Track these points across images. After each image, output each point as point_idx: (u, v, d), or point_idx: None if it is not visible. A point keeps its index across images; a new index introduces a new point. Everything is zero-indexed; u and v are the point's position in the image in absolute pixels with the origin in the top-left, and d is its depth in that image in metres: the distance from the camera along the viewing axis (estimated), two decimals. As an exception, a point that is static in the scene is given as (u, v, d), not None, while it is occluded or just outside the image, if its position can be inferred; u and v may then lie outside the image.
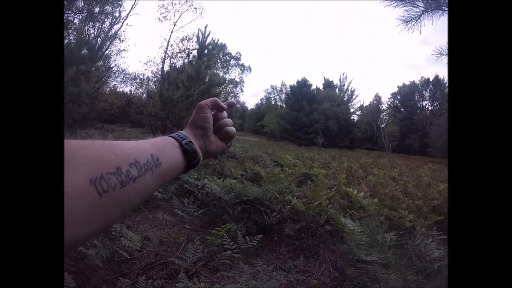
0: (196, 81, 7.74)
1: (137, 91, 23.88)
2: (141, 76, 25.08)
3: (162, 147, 0.46)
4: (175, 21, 25.11)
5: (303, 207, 3.14)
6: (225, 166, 5.27)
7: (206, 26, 8.47)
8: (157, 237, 2.83)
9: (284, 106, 46.30)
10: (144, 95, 21.12)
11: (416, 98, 41.96)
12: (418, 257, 2.23)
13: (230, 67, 41.62)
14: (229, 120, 0.65)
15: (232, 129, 0.65)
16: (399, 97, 43.30)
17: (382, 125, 41.58)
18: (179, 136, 0.53)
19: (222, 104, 0.64)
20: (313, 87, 43.64)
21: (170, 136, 0.52)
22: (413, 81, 43.21)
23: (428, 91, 41.44)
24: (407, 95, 41.89)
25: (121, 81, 22.90)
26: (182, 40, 24.46)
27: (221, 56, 38.03)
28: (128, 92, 22.31)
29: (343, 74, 51.76)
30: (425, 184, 6.22)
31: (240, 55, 43.42)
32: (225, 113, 0.66)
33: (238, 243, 2.51)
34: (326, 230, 2.99)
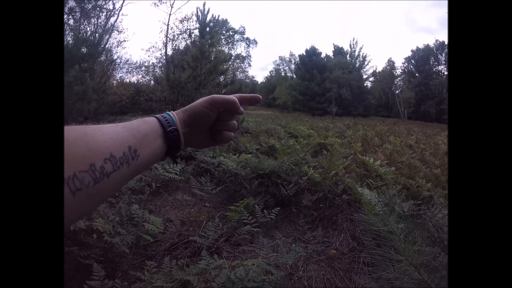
0: (201, 61, 7.63)
1: (144, 79, 23.84)
2: (146, 64, 24.92)
3: (143, 138, 0.43)
4: (171, 3, 24.37)
5: (319, 178, 3.15)
6: (240, 142, 5.29)
7: (204, 4, 8.23)
8: (179, 218, 2.92)
9: (295, 76, 45.29)
10: (152, 82, 21.10)
11: (431, 63, 39.88)
12: (436, 228, 2.21)
13: (235, 43, 40.85)
14: (233, 124, 0.58)
15: (230, 135, 0.58)
16: (413, 61, 41.42)
17: (397, 91, 40.21)
18: (165, 119, 0.48)
19: (239, 107, 0.54)
20: (323, 55, 42.32)
21: (157, 117, 0.48)
22: (428, 44, 40.87)
23: (443, 55, 39.05)
24: (421, 59, 39.92)
25: (127, 72, 22.82)
26: (181, 21, 23.85)
27: (224, 32, 37.24)
28: (136, 82, 22.31)
29: (354, 40, 49.65)
30: (443, 152, 6.04)
31: (244, 29, 42.40)
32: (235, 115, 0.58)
33: (257, 217, 2.57)
34: (343, 200, 3.00)
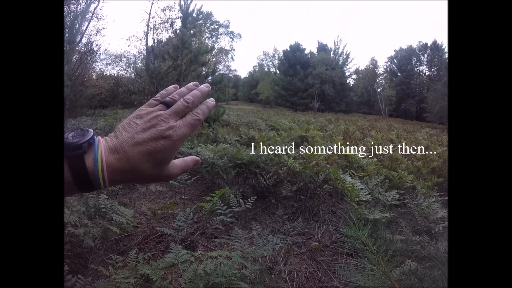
0: (182, 50, 7.39)
1: (125, 71, 23.27)
2: (126, 55, 24.26)
3: None
4: (155, -9, 23.67)
5: (299, 167, 3.05)
6: (219, 133, 5.13)
7: (187, -8, 7.99)
8: (152, 210, 2.76)
9: (278, 72, 45.19)
10: (133, 75, 20.54)
11: (413, 63, 40.61)
12: (422, 216, 2.17)
13: (219, 36, 40.17)
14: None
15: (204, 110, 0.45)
16: (395, 61, 42.03)
17: (379, 90, 40.97)
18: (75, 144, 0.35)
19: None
20: (307, 51, 42.44)
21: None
22: (410, 45, 41.58)
23: (426, 56, 39.97)
24: (404, 59, 40.55)
25: (107, 64, 22.14)
26: (163, 10, 23.36)
27: (208, 25, 36.60)
28: (116, 74, 21.73)
29: (338, 37, 50.17)
30: (423, 146, 6.15)
31: (229, 23, 41.77)
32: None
33: (232, 207, 2.44)
34: (325, 190, 2.91)
